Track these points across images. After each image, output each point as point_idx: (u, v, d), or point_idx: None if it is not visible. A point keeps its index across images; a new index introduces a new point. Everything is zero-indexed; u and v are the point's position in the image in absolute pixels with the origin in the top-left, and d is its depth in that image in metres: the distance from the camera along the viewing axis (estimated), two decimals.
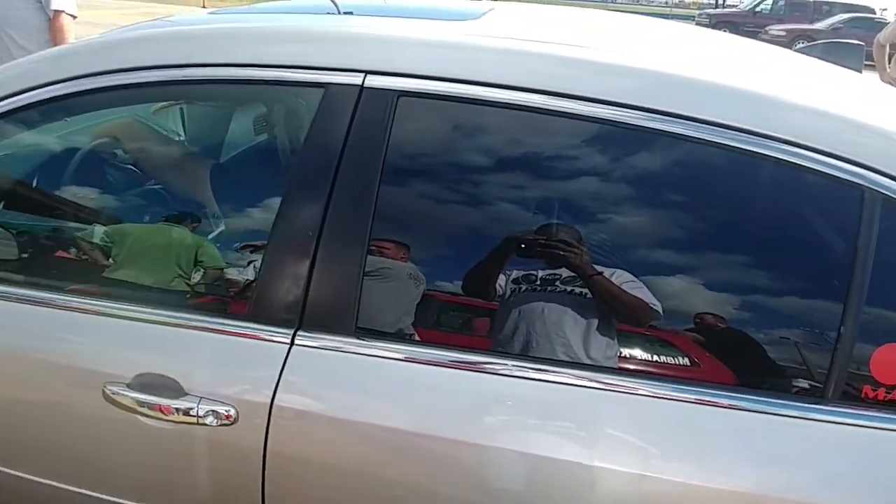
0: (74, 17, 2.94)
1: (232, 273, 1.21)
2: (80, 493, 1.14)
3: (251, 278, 1.13)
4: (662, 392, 0.91)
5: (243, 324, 1.03)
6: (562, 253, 0.98)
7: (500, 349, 1.00)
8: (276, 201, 1.06)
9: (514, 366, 0.94)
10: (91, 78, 1.09)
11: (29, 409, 1.14)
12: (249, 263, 1.17)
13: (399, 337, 1.02)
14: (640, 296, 0.95)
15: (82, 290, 1.16)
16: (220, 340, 1.03)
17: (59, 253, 1.32)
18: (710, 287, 0.96)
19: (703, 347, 0.98)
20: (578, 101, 0.95)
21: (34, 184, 1.37)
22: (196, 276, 1.22)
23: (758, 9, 18.34)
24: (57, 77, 1.10)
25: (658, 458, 0.90)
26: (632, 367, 0.98)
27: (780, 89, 1.00)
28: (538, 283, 1.00)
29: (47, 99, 1.11)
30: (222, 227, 1.31)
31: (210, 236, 1.30)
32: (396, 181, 1.03)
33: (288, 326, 1.00)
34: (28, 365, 1.12)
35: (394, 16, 1.24)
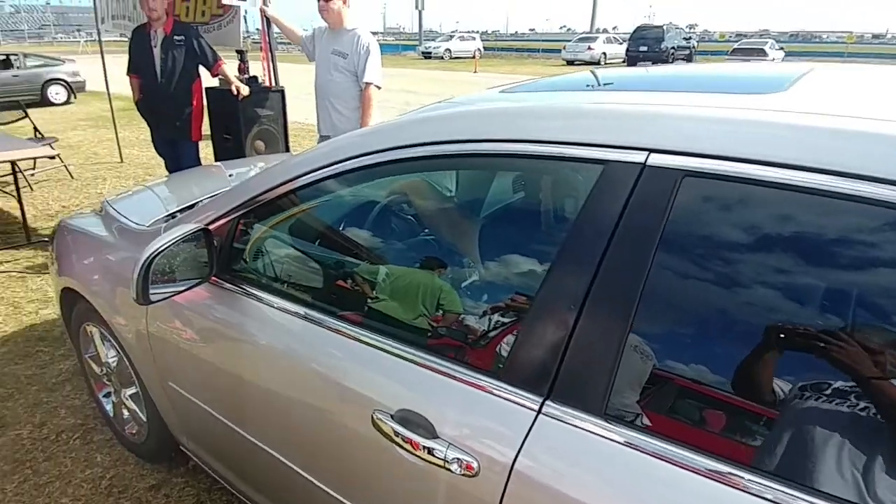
0: (379, 88, 3.64)
1: (483, 325, 1.25)
2: (326, 492, 1.32)
3: (503, 335, 1.17)
4: None
5: (496, 382, 1.07)
6: (868, 363, 0.80)
7: (761, 466, 0.84)
8: (529, 263, 1.08)
9: (779, 490, 0.80)
10: (395, 150, 1.29)
11: (306, 409, 1.36)
12: (499, 318, 1.21)
13: (643, 426, 0.94)
14: None
15: (357, 321, 1.34)
16: (472, 393, 1.08)
17: (341, 282, 1.56)
18: None
19: None
20: (889, 186, 0.79)
21: (341, 227, 1.65)
22: (439, 320, 1.32)
23: None
24: (370, 150, 1.33)
25: None
26: None
27: None
28: (829, 393, 0.82)
29: (364, 165, 1.34)
30: (475, 278, 1.39)
31: (463, 284, 1.39)
32: (670, 262, 0.96)
33: (537, 394, 1.01)
34: (310, 375, 1.34)
35: (679, 90, 1.19)
